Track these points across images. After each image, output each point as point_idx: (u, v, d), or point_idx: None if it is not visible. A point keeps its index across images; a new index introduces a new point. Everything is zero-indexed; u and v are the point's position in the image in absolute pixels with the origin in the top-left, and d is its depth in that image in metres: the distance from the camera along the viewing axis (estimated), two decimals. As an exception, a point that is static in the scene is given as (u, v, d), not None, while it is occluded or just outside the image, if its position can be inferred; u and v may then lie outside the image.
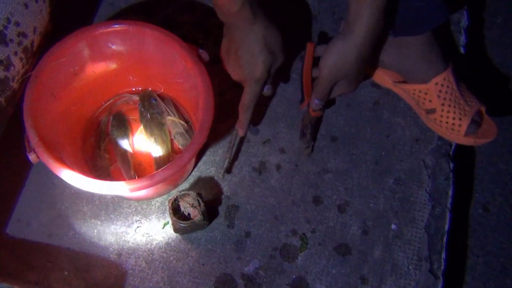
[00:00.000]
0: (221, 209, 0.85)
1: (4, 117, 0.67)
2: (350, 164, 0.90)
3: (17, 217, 0.83)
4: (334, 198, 0.87)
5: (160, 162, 0.82)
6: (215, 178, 0.87)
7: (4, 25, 0.61)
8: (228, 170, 0.87)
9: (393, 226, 0.85)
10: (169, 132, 0.84)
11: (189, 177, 0.87)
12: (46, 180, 0.85)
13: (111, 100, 0.86)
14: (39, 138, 0.66)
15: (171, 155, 0.83)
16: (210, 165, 0.88)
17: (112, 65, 0.79)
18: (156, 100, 0.83)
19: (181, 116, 0.85)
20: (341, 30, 0.76)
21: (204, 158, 0.89)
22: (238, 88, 0.92)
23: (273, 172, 0.88)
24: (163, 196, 0.85)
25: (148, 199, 0.85)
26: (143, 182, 0.66)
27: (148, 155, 0.84)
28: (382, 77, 0.92)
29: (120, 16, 0.97)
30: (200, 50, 0.75)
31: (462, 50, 0.99)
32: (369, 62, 0.80)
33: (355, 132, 0.92)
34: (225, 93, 0.93)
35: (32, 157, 0.67)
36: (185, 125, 0.84)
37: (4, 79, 0.64)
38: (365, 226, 0.85)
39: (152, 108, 0.83)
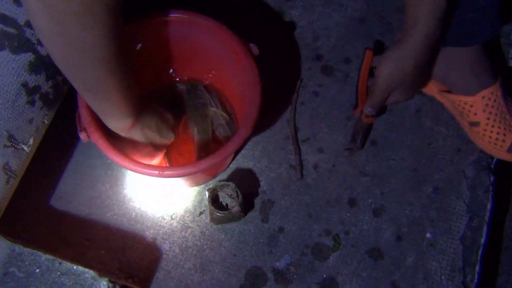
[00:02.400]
0: (257, 202, 0.86)
1: (60, 95, 0.69)
2: (388, 169, 0.89)
3: (59, 194, 0.86)
4: (370, 201, 0.87)
5: (201, 152, 0.83)
6: (253, 171, 0.88)
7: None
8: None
9: (428, 235, 0.84)
10: (211, 123, 0.85)
11: (227, 169, 0.88)
12: (90, 160, 0.87)
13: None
14: (91, 118, 0.68)
15: (211, 146, 0.84)
16: (249, 158, 0.89)
17: (163, 52, 0.81)
18: (201, 91, 0.84)
19: (224, 108, 0.87)
20: (397, 38, 0.76)
21: (242, 152, 0.90)
22: (280, 85, 0.94)
23: (310, 170, 0.89)
24: (201, 186, 0.87)
25: (187, 186, 0.86)
26: (187, 169, 0.67)
27: (189, 144, 0.86)
28: (427, 85, 0.91)
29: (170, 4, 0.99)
30: (251, 44, 0.75)
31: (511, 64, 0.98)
32: (425, 71, 0.78)
33: (395, 138, 0.91)
34: (267, 89, 0.94)
35: (82, 136, 0.69)
36: (227, 117, 0.85)
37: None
38: (400, 232, 0.84)
39: (197, 99, 0.84)
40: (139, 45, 0.77)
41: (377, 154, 0.90)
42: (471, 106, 0.84)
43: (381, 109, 0.86)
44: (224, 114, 0.84)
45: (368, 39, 0.98)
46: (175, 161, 0.85)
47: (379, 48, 0.97)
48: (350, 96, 0.93)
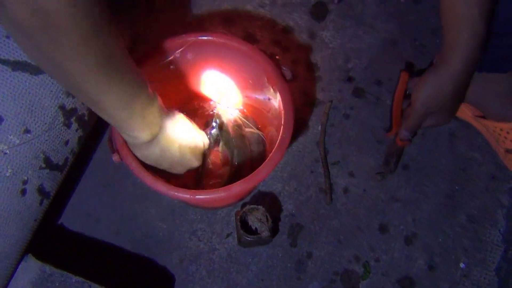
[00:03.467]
0: (284, 226, 0.85)
1: (94, 116, 0.70)
2: (421, 195, 0.87)
3: (88, 212, 0.86)
4: (401, 228, 0.85)
5: (236, 174, 0.82)
6: (281, 193, 0.87)
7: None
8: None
9: (462, 265, 0.82)
10: (249, 143, 0.84)
11: (255, 190, 0.87)
12: (120, 179, 0.87)
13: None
14: (124, 140, 0.68)
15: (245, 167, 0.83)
16: (277, 180, 0.88)
17: (195, 73, 0.81)
18: (233, 112, 0.84)
19: (255, 125, 0.86)
20: (435, 61, 0.74)
21: (271, 173, 0.88)
22: (310, 107, 0.93)
23: (340, 194, 0.87)
24: (229, 207, 0.86)
25: (214, 208, 0.85)
26: (219, 193, 0.66)
27: (219, 166, 0.85)
28: (461, 109, 0.89)
29: (203, 25, 0.99)
30: (284, 68, 0.75)
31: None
32: (464, 95, 0.77)
33: (428, 163, 0.89)
34: (297, 110, 0.93)
35: (115, 157, 0.69)
36: (262, 136, 0.84)
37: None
38: (432, 261, 0.82)
39: (234, 121, 0.83)
40: (172, 66, 0.78)
41: (409, 179, 0.88)
42: (507, 132, 0.82)
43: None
44: (258, 131, 0.84)
45: (401, 62, 0.96)
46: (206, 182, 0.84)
47: (412, 70, 0.96)
48: (382, 119, 0.92)
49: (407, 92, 0.83)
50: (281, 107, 0.73)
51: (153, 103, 0.58)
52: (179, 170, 0.70)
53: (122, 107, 0.54)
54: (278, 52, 0.98)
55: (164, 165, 0.68)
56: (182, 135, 0.66)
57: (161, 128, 0.62)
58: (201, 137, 0.73)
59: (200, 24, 0.99)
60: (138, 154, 0.65)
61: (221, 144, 0.86)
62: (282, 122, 0.72)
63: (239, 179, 0.82)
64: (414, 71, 0.95)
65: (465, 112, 0.89)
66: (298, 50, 0.98)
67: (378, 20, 1.00)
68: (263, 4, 1.01)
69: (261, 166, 0.69)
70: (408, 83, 0.82)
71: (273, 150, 0.70)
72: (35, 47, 0.42)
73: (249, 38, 0.98)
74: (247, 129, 0.84)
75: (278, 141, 0.70)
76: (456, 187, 0.87)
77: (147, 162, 0.66)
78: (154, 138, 0.62)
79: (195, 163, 0.71)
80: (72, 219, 0.85)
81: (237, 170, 0.83)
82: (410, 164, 0.89)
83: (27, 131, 0.58)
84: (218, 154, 0.85)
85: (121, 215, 0.85)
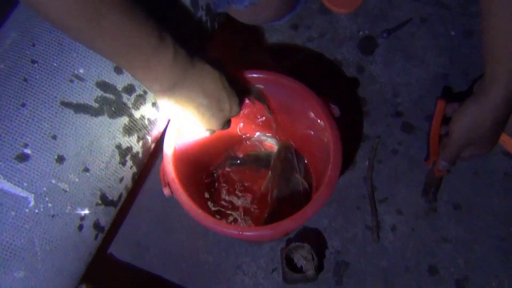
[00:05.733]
0: (330, 263, 0.84)
1: (148, 153, 0.73)
2: (473, 236, 0.84)
3: (136, 241, 0.88)
4: (452, 270, 0.82)
5: (272, 213, 0.83)
6: (327, 230, 0.86)
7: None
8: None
9: (518, 313, 0.78)
10: (292, 189, 0.84)
11: (300, 226, 0.87)
12: (169, 209, 0.89)
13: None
14: (175, 174, 0.70)
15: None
16: (323, 216, 0.88)
17: (244, 112, 0.82)
18: (292, 154, 0.85)
19: (306, 175, 0.86)
20: (475, 91, 0.74)
21: (317, 209, 0.88)
22: (357, 142, 0.92)
23: (388, 233, 0.85)
24: (274, 241, 0.86)
25: (259, 242, 0.86)
26: (266, 230, 0.67)
27: (263, 202, 0.86)
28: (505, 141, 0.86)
29: (252, 59, 1.01)
30: (332, 106, 0.75)
31: None
32: (504, 126, 0.75)
33: (480, 202, 0.86)
34: (344, 146, 0.92)
35: (166, 191, 0.71)
36: (307, 187, 0.84)
37: (155, 119, 0.69)
38: (486, 308, 0.78)
39: (286, 161, 0.84)
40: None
41: (460, 219, 0.85)
42: None
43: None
44: (305, 183, 0.84)
45: (451, 99, 0.94)
46: (244, 211, 0.86)
47: (449, 95, 0.94)
48: (432, 156, 0.90)
49: (446, 115, 0.82)
50: (329, 144, 0.73)
51: (161, 54, 0.51)
52: (199, 130, 0.64)
53: (117, 56, 0.49)
54: (325, 86, 0.98)
55: (181, 120, 0.61)
56: (202, 95, 0.57)
57: (174, 83, 0.54)
58: (228, 100, 0.61)
59: (249, 58, 1.01)
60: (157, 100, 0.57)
61: (268, 178, 0.87)
62: (331, 160, 0.71)
63: (279, 212, 0.84)
64: (451, 96, 0.94)
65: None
66: (346, 84, 0.98)
67: (428, 53, 0.99)
68: (311, 38, 1.02)
69: (309, 204, 0.69)
70: (446, 109, 0.82)
71: (321, 188, 0.70)
72: None
73: (297, 72, 0.99)
74: (296, 175, 0.85)
75: (326, 180, 0.70)
76: (511, 229, 0.83)
77: (163, 111, 0.60)
78: (167, 91, 0.55)
79: (215, 126, 0.63)
80: (122, 248, 0.87)
81: (278, 204, 0.84)
82: (461, 204, 0.86)
83: (86, 169, 0.61)
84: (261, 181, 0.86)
85: (169, 245, 0.87)
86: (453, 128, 0.75)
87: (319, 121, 0.75)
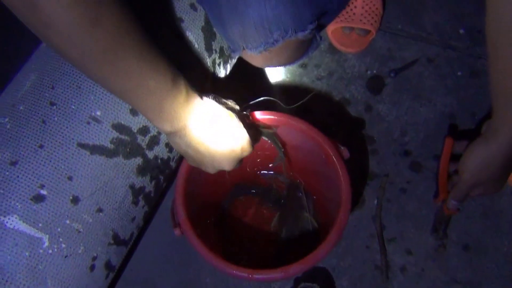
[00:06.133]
0: (339, 303, 0.83)
1: (159, 192, 0.73)
2: (483, 278, 0.83)
3: (145, 278, 0.88)
4: (463, 313, 0.81)
5: (281, 251, 0.83)
6: (335, 269, 0.86)
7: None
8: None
9: None
10: (300, 228, 0.85)
11: (310, 265, 0.87)
12: (177, 248, 0.89)
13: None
14: (186, 215, 0.71)
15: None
16: (332, 255, 0.87)
17: (254, 151, 0.83)
18: (301, 193, 0.85)
19: (315, 214, 0.86)
20: (484, 131, 0.75)
21: (326, 247, 0.88)
22: (365, 180, 0.93)
23: (397, 273, 0.85)
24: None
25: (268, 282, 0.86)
26: (277, 273, 0.67)
27: (271, 239, 0.86)
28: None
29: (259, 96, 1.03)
30: (342, 147, 0.76)
31: None
32: None
33: (490, 243, 0.86)
34: (353, 184, 0.93)
35: (176, 231, 0.71)
36: (316, 226, 0.84)
37: (167, 159, 0.71)
38: None
39: (296, 200, 0.85)
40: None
41: (470, 260, 0.85)
42: None
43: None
44: (314, 222, 0.84)
45: (458, 136, 0.95)
46: (251, 248, 0.86)
47: (456, 133, 0.95)
48: (441, 195, 0.90)
49: (454, 153, 0.83)
50: (339, 184, 0.74)
51: (174, 96, 0.52)
52: (209, 170, 0.62)
53: (130, 97, 0.50)
54: (334, 124, 0.99)
55: (190, 161, 0.62)
56: (213, 136, 0.58)
57: (185, 124, 0.55)
58: (240, 141, 0.61)
59: (259, 97, 1.03)
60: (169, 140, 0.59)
61: (277, 216, 0.87)
62: (341, 203, 0.72)
63: (288, 251, 0.84)
64: (459, 134, 0.95)
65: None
66: (353, 123, 0.99)
67: (435, 93, 1.00)
68: (320, 76, 1.04)
69: (320, 246, 0.69)
70: (454, 147, 0.83)
71: (331, 231, 0.70)
72: (35, 33, 0.42)
73: (306, 110, 1.00)
74: (305, 214, 0.85)
75: (337, 222, 0.70)
76: (522, 271, 0.83)
77: (176, 150, 0.61)
78: (178, 132, 0.55)
79: (227, 167, 0.62)
80: (130, 285, 0.87)
81: (287, 242, 0.84)
82: (471, 244, 0.86)
83: (100, 210, 0.62)
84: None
85: (177, 282, 0.87)
86: (463, 168, 0.76)
87: (328, 162, 0.76)
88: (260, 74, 1.05)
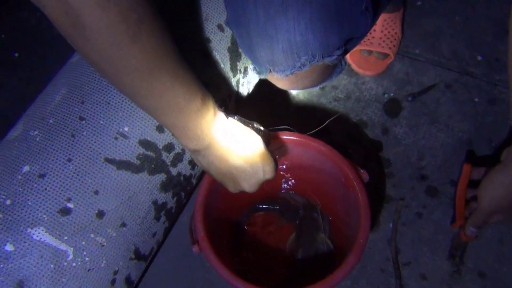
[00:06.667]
0: (353, 327, 0.83)
1: (180, 209, 0.74)
2: (498, 307, 0.83)
3: (159, 293, 0.88)
4: None
5: (299, 272, 0.83)
6: (351, 293, 0.86)
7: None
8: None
9: None
10: (316, 248, 0.85)
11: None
12: (192, 262, 0.89)
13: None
14: (205, 233, 0.71)
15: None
16: (346, 278, 0.87)
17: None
18: (317, 214, 0.86)
19: (331, 235, 0.87)
20: (504, 159, 0.75)
21: (340, 269, 0.88)
22: (381, 203, 0.93)
23: (411, 298, 0.85)
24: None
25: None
26: (294, 294, 0.67)
27: (286, 259, 0.86)
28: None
29: (278, 116, 1.04)
30: (361, 170, 0.77)
31: None
32: None
33: (506, 272, 0.86)
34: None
35: (195, 249, 0.72)
36: (331, 247, 0.84)
37: (189, 176, 0.71)
38: None
39: (311, 221, 0.85)
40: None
41: (485, 287, 0.85)
42: None
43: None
44: (330, 243, 0.84)
45: (475, 162, 0.95)
46: (265, 267, 0.86)
47: (474, 159, 0.96)
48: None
49: (471, 179, 0.84)
50: (357, 207, 0.74)
51: (202, 115, 0.53)
52: (230, 189, 0.62)
53: (159, 114, 0.51)
54: (351, 145, 1.00)
55: (214, 177, 0.62)
56: (237, 157, 0.57)
57: (210, 143, 0.56)
58: (264, 164, 0.59)
59: (276, 116, 1.04)
60: (201, 165, 0.60)
61: (292, 236, 0.88)
62: (360, 226, 0.72)
63: (303, 272, 0.84)
64: (476, 160, 0.95)
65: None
66: (370, 145, 1.00)
67: (452, 119, 1.01)
68: (338, 98, 1.05)
69: (338, 269, 0.69)
70: (471, 173, 0.84)
71: (350, 254, 0.70)
72: (72, 45, 0.43)
73: (323, 131, 1.01)
74: (321, 235, 0.85)
75: (355, 245, 0.70)
76: (538, 302, 0.82)
77: (199, 166, 0.62)
78: (202, 150, 0.56)
79: (247, 189, 0.61)
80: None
81: (302, 263, 0.84)
82: (486, 272, 0.86)
83: (123, 224, 0.63)
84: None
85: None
86: (482, 195, 0.76)
87: (347, 184, 0.77)
88: (279, 94, 1.06)
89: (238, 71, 0.75)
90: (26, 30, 1.20)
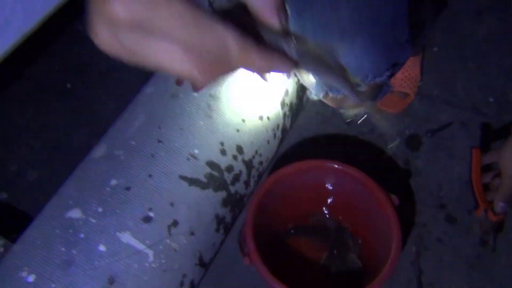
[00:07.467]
0: None
1: (233, 221, 0.84)
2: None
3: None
4: None
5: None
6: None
7: (253, 155, 0.79)
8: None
9: None
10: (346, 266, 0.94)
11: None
12: (235, 265, 0.97)
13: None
14: (255, 247, 0.80)
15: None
16: (374, 294, 0.95)
17: (310, 194, 0.94)
18: (348, 237, 0.95)
19: (360, 254, 0.95)
20: None
21: (368, 287, 0.96)
22: (403, 227, 1.01)
23: (434, 316, 0.92)
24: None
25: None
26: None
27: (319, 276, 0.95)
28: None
29: (306, 146, 1.15)
30: (392, 196, 0.87)
31: None
32: None
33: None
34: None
35: (245, 260, 0.81)
36: (360, 266, 0.93)
37: (243, 195, 0.82)
38: None
39: (342, 243, 0.94)
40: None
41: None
42: None
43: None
44: (359, 262, 0.93)
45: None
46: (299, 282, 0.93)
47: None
48: (474, 247, 0.99)
49: (484, 163, 0.87)
50: (388, 230, 0.84)
51: None
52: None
53: None
54: (374, 175, 1.10)
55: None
56: None
57: None
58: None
59: (304, 146, 1.15)
60: None
61: (325, 254, 0.96)
62: (393, 246, 0.81)
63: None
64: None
65: None
66: (393, 175, 1.10)
67: (468, 154, 1.10)
68: (363, 132, 1.16)
69: (372, 284, 0.78)
70: (482, 158, 0.87)
71: (383, 271, 0.79)
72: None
73: (353, 162, 1.11)
74: (351, 254, 0.94)
75: (389, 262, 0.79)
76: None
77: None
78: None
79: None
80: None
81: (335, 280, 0.92)
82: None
83: (192, 233, 0.72)
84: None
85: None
86: (506, 165, 0.79)
87: (380, 208, 0.86)
88: (311, 129, 1.17)
89: (285, 105, 0.87)
90: (78, 63, 1.32)
